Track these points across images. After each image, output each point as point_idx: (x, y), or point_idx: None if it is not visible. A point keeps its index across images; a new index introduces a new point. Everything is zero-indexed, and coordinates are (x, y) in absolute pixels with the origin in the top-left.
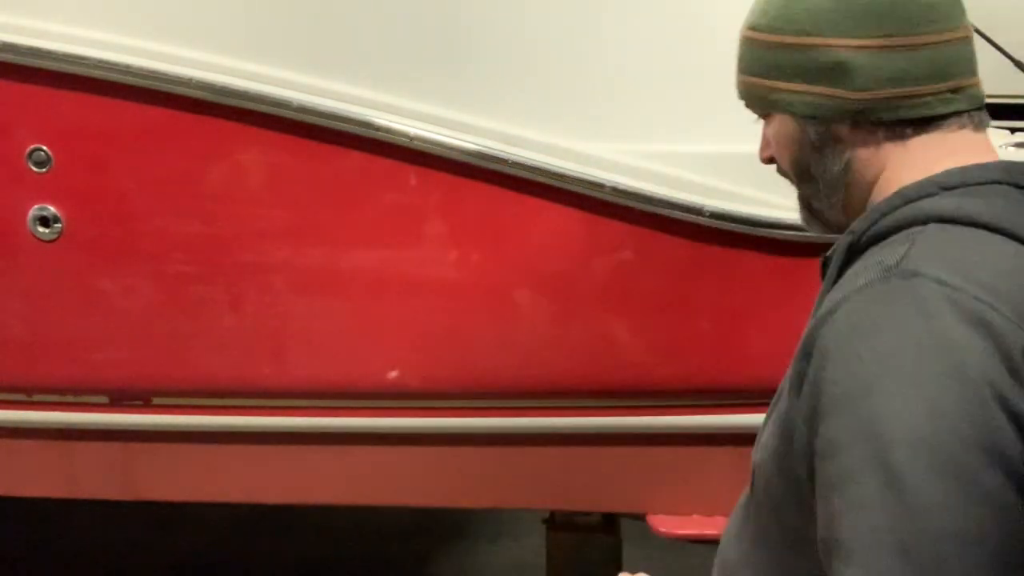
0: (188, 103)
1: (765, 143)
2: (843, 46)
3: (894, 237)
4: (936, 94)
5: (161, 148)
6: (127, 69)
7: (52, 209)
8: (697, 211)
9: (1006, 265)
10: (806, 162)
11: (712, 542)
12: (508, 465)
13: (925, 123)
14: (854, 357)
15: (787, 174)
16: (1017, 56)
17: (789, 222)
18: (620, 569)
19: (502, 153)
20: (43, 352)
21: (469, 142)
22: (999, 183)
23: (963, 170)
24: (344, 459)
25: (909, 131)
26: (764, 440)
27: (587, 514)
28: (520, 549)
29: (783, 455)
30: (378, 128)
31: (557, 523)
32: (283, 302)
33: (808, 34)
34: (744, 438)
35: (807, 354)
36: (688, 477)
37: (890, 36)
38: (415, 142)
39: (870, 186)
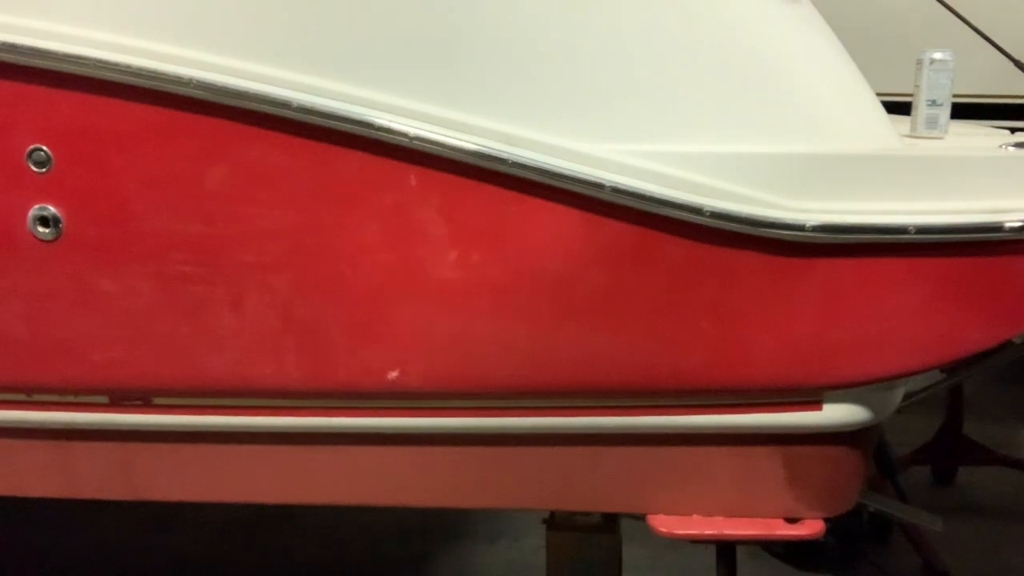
0: (188, 103)
1: None
2: None
3: None
4: None
5: (161, 148)
6: (127, 69)
7: (52, 209)
8: (697, 211)
9: None
10: None
11: (712, 542)
12: (508, 465)
13: None
14: None
15: None
16: (1017, 56)
17: (789, 222)
18: (620, 569)
19: (502, 153)
20: (43, 352)
21: (469, 142)
22: None
23: None
24: (344, 459)
25: None
26: None
27: (587, 514)
28: (520, 549)
29: None
30: (378, 128)
31: (557, 523)
32: (283, 302)
33: None
34: (744, 438)
35: None
36: (688, 477)
37: None
38: (415, 142)
39: None
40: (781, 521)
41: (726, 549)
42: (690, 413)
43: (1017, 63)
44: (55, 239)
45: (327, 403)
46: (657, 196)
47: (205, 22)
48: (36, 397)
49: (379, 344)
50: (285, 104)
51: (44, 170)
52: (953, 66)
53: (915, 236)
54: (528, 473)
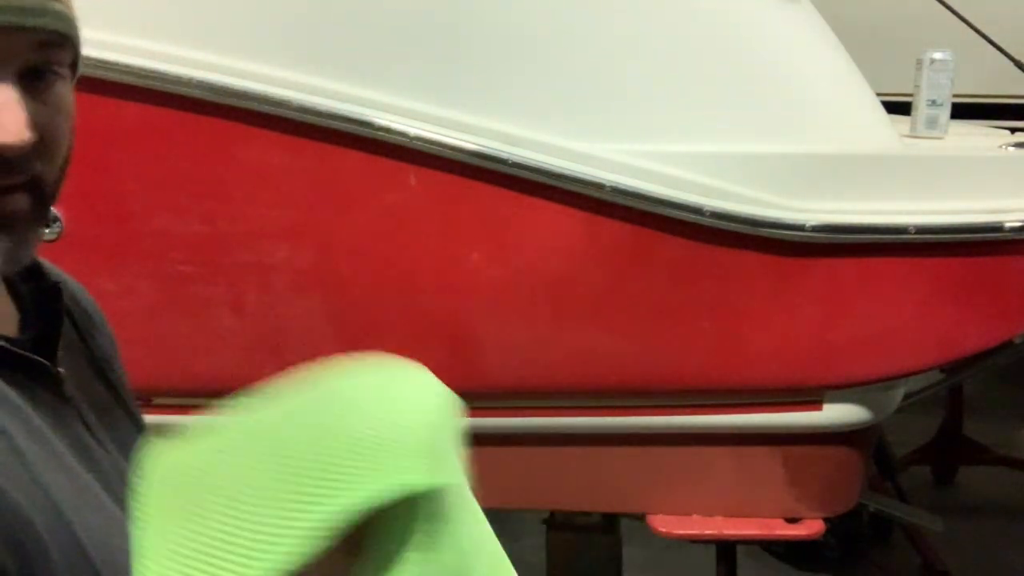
0: (188, 103)
1: (40, 110)
2: None
3: None
4: None
5: (161, 148)
6: (127, 69)
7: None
8: (697, 211)
9: None
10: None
11: (712, 542)
12: (508, 465)
13: None
14: None
15: (52, 155)
16: (1017, 56)
17: (789, 222)
18: (620, 569)
19: (502, 153)
20: None
21: (469, 142)
22: None
23: None
24: None
25: None
26: None
27: (587, 514)
28: (520, 549)
29: None
30: (378, 128)
31: (557, 523)
32: (283, 302)
33: None
34: (744, 438)
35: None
36: (688, 477)
37: None
38: (415, 142)
39: None
40: (781, 521)
41: (726, 549)
42: (690, 413)
43: (1017, 63)
44: (55, 239)
45: None
46: (657, 196)
47: (205, 22)
48: None
49: (379, 344)
50: (285, 104)
51: None
52: (953, 66)
53: (915, 236)
54: (528, 473)
